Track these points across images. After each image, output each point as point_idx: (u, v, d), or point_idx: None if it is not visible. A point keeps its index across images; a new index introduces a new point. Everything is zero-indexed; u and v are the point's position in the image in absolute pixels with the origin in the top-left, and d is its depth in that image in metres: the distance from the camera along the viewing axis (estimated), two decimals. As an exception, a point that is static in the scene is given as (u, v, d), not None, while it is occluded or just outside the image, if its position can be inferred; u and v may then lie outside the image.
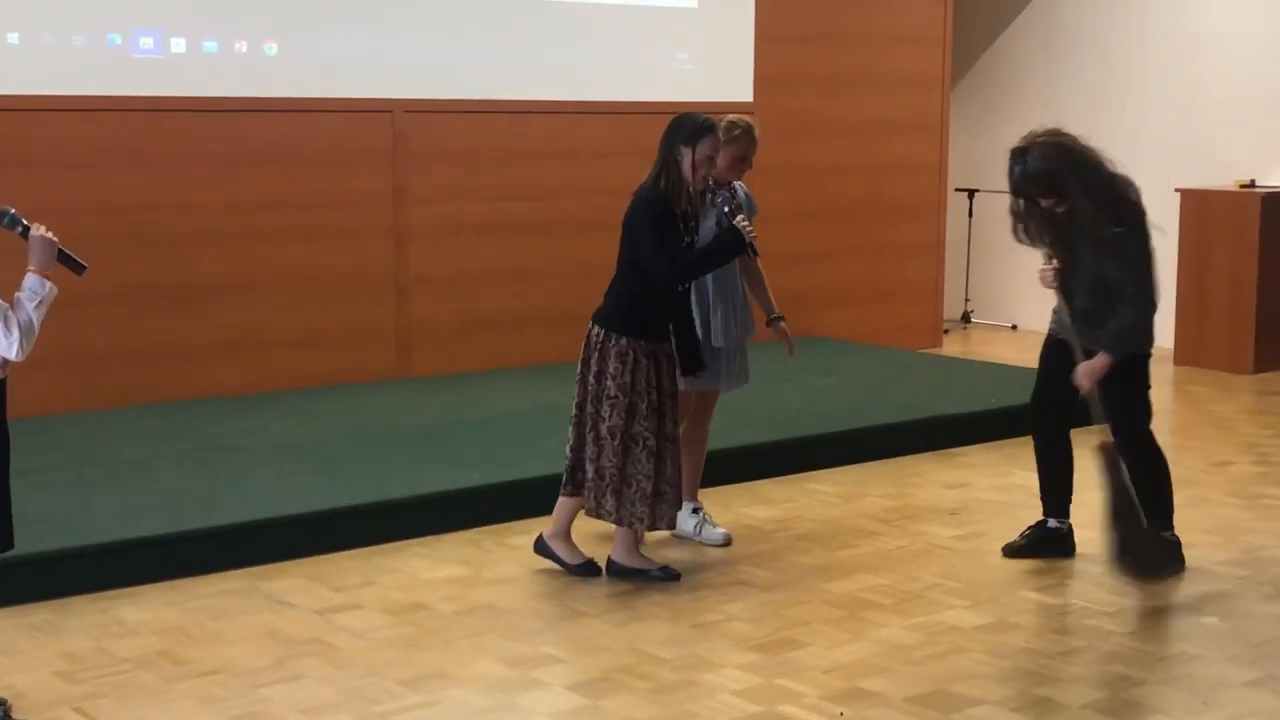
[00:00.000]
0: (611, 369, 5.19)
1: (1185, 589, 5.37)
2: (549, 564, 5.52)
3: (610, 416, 5.20)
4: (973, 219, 11.56)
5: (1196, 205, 10.07)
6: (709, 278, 5.61)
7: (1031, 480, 6.88)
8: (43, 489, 5.86)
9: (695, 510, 5.89)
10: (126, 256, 7.53)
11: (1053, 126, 5.31)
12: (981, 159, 11.72)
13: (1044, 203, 5.22)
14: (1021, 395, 8.11)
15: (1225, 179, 10.22)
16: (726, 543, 5.86)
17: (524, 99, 8.70)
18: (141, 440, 6.88)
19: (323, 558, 5.64)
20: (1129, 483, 5.27)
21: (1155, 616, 5.10)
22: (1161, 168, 10.57)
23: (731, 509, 6.35)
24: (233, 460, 6.52)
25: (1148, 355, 5.46)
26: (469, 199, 8.58)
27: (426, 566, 5.58)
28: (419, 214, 8.41)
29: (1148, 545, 5.28)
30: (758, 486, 6.75)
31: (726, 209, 5.29)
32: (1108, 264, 5.20)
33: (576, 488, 5.38)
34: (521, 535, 5.92)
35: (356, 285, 8.26)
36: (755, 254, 5.36)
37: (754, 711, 4.26)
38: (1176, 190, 10.18)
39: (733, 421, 6.77)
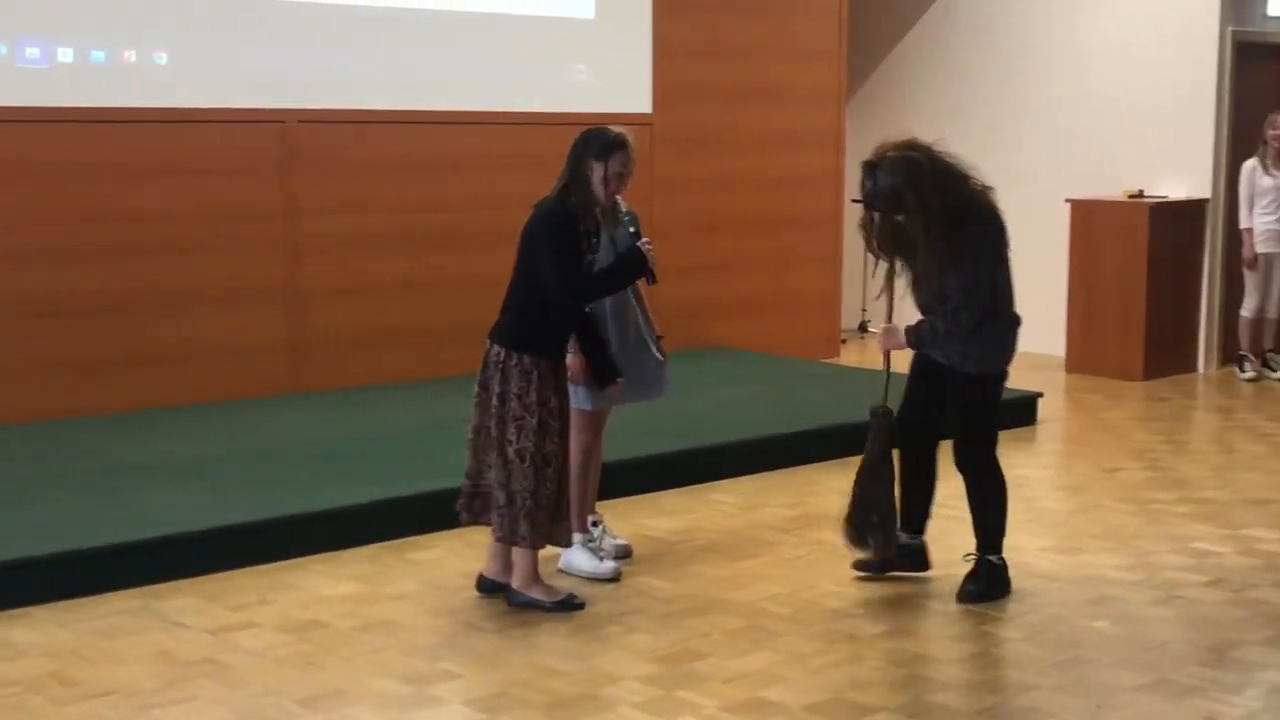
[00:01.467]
0: (515, 389, 5.08)
1: (1077, 594, 5.45)
2: (449, 579, 5.47)
3: (518, 439, 5.08)
4: (869, 230, 11.65)
5: (1086, 215, 10.26)
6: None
7: (927, 488, 6.94)
8: (-74, 510, 5.73)
9: (594, 523, 5.86)
10: (11, 271, 7.38)
11: (907, 138, 5.20)
12: (945, 143, 11.84)
13: (896, 217, 5.10)
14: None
15: (1114, 189, 10.41)
16: (627, 555, 5.84)
17: (420, 109, 8.64)
18: (29, 459, 6.73)
19: (218, 576, 5.55)
20: (889, 452, 5.32)
21: (1048, 622, 5.16)
22: (1052, 179, 10.79)
23: (632, 520, 6.35)
24: (124, 478, 6.40)
25: (1001, 376, 5.33)
26: (364, 211, 8.51)
27: (324, 584, 5.52)
28: (313, 226, 8.32)
29: (881, 516, 5.33)
30: (659, 498, 6.76)
31: (633, 229, 5.28)
32: (946, 280, 5.09)
33: (475, 516, 5.28)
34: (420, 550, 5.88)
35: (250, 298, 8.16)
36: (653, 281, 5.31)
37: (654, 724, 4.26)
38: (1067, 200, 10.38)
39: (634, 433, 6.77)
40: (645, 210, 7.61)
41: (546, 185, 5.58)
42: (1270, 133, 9.83)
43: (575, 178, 5.13)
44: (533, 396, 5.08)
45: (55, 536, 5.50)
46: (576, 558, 5.66)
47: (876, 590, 5.44)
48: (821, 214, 10.64)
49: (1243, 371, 10.01)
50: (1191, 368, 10.35)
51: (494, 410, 5.12)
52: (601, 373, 5.34)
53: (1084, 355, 10.25)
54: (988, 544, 5.36)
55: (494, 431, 5.12)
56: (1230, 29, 10.18)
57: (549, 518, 5.16)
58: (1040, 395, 8.76)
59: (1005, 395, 8.48)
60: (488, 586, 5.36)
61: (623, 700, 4.42)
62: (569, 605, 5.23)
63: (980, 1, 11.34)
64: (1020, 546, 6.07)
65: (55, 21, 7.48)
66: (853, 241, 11.44)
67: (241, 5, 8.03)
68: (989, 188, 5.27)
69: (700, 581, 5.57)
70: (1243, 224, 9.93)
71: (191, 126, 7.90)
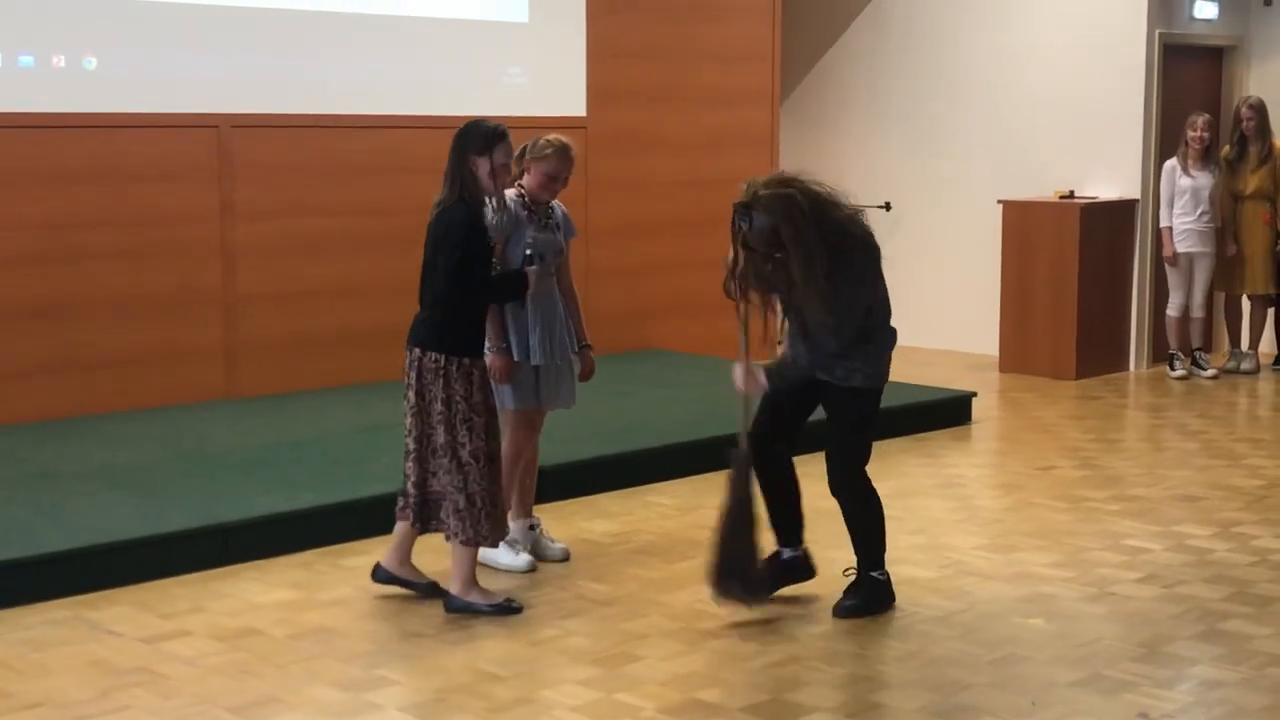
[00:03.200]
0: (460, 392, 5.07)
1: (1012, 591, 5.49)
2: (384, 586, 5.44)
3: (470, 440, 5.08)
4: (804, 231, 11.71)
5: (1018, 216, 10.35)
6: (528, 297, 5.56)
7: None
8: None
9: (532, 527, 5.86)
10: (-61, 277, 7.28)
11: (776, 174, 5.14)
12: (811, 172, 11.89)
13: (777, 255, 4.96)
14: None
15: (1045, 190, 10.52)
16: (565, 558, 5.84)
17: (354, 113, 8.59)
18: (-43, 467, 6.64)
19: (150, 584, 5.49)
20: (751, 499, 5.16)
21: (983, 620, 5.20)
22: (985, 180, 10.89)
23: (570, 523, 6.34)
24: (53, 487, 6.32)
25: (877, 392, 5.26)
26: (298, 215, 8.44)
27: (257, 590, 5.47)
28: (247, 231, 8.25)
29: (748, 567, 5.13)
30: (596, 500, 6.76)
31: (529, 253, 5.23)
32: (821, 312, 4.98)
33: (425, 524, 5.25)
34: (355, 556, 5.84)
35: (183, 304, 8.07)
36: (522, 306, 5.34)
37: (592, 727, 4.26)
38: (999, 201, 10.47)
39: (570, 435, 6.76)
40: (580, 212, 7.62)
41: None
42: (1190, 134, 9.92)
43: (463, 175, 5.11)
44: (477, 397, 5.11)
45: (-16, 546, 5.43)
46: (492, 550, 5.68)
47: (815, 592, 5.46)
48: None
49: (1173, 370, 10.13)
50: (1123, 366, 10.47)
51: (440, 416, 5.09)
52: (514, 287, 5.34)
53: (1017, 355, 10.34)
54: (868, 559, 5.28)
55: (443, 437, 5.10)
56: (1158, 31, 10.31)
57: (502, 514, 5.21)
58: (974, 395, 8.83)
59: (940, 395, 8.72)
60: (383, 577, 5.37)
61: (560, 704, 4.41)
62: (507, 609, 5.22)
63: (910, 5, 11.42)
64: (954, 545, 6.13)
65: (-19, 24, 7.38)
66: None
67: (173, 9, 7.95)
68: (859, 210, 5.23)
69: (638, 583, 5.58)
70: (1162, 223, 10.06)
71: (123, 132, 7.81)
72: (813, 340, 5.06)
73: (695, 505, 6.68)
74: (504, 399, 5.58)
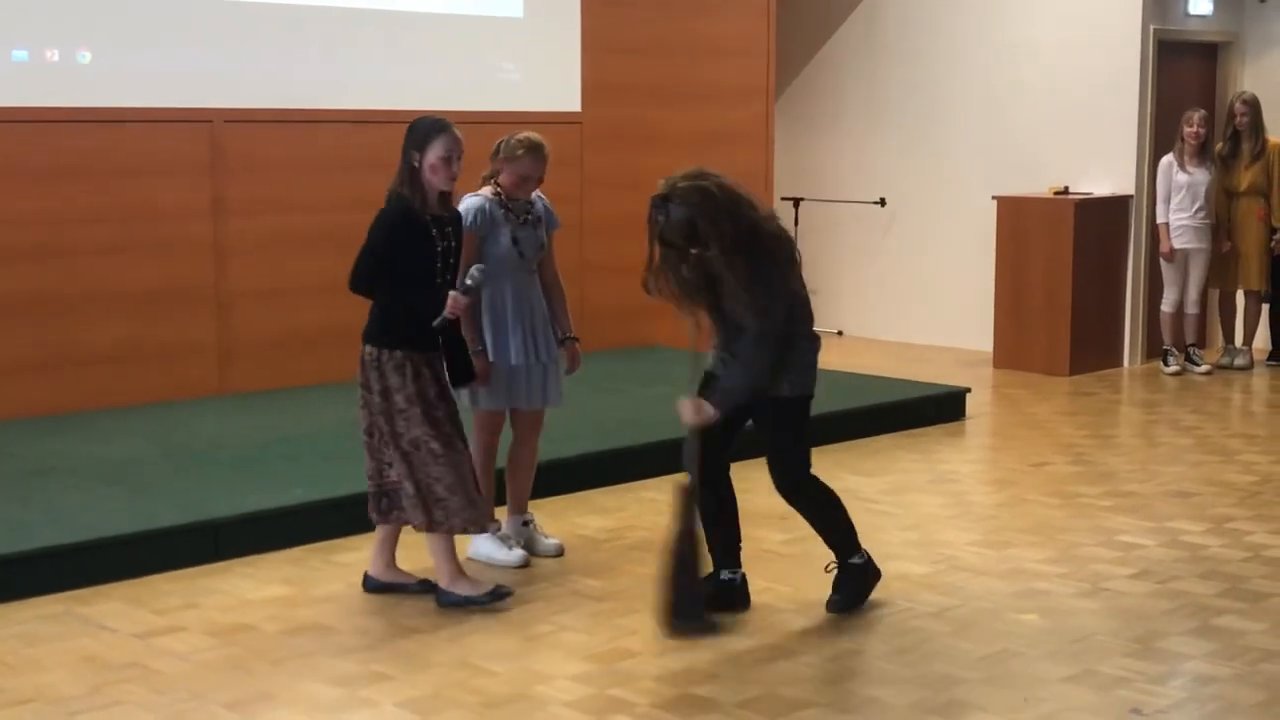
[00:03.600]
0: (394, 383, 5.08)
1: (1005, 587, 5.49)
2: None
3: (408, 430, 5.09)
4: (798, 227, 11.70)
5: (1012, 212, 10.35)
6: (507, 295, 5.55)
7: (860, 484, 7.02)
8: None
9: (525, 523, 5.86)
10: (-69, 272, 7.26)
11: (695, 168, 4.96)
12: (806, 169, 11.91)
13: (693, 251, 4.89)
14: (849, 400, 8.29)
15: (1040, 186, 10.52)
16: (559, 553, 5.84)
17: (348, 109, 8.58)
18: (-51, 463, 6.62)
19: (142, 580, 5.49)
20: (698, 534, 4.99)
21: (976, 616, 5.20)
22: (979, 176, 10.89)
23: (564, 519, 6.34)
24: (45, 482, 6.30)
25: (808, 398, 5.16)
26: (291, 211, 8.43)
27: (250, 586, 5.46)
28: (239, 226, 8.23)
29: (697, 602, 4.94)
30: (590, 496, 6.75)
31: (469, 282, 5.13)
32: (740, 311, 4.93)
33: (384, 515, 5.27)
34: (348, 552, 5.83)
35: (175, 300, 8.06)
36: (437, 336, 5.19)
37: (585, 723, 4.25)
38: (993, 198, 10.47)
39: (565, 431, 6.75)
40: (575, 208, 7.62)
41: (473, 184, 5.58)
42: (1186, 129, 9.89)
43: (408, 170, 5.12)
44: (411, 388, 5.08)
45: (-24, 542, 5.42)
46: (485, 545, 5.71)
47: (807, 587, 5.46)
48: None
49: (1167, 366, 10.14)
50: (1117, 362, 10.47)
51: (380, 407, 5.11)
52: (453, 372, 5.29)
53: (1011, 351, 10.34)
54: (844, 549, 5.24)
55: (385, 427, 5.12)
56: (1152, 27, 10.32)
57: (467, 501, 5.13)
58: (968, 391, 8.84)
59: (934, 390, 8.72)
60: (373, 586, 5.37)
61: (555, 699, 4.41)
62: (498, 595, 5.23)
63: (905, 1, 11.41)
64: (948, 541, 6.13)
65: (-27, 19, 7.36)
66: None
67: (167, 4, 7.93)
68: (774, 214, 5.15)
69: (632, 579, 5.57)
70: (1159, 219, 10.06)
71: (116, 126, 7.79)
72: (742, 357, 4.94)
73: (689, 501, 6.67)
74: (470, 397, 5.58)
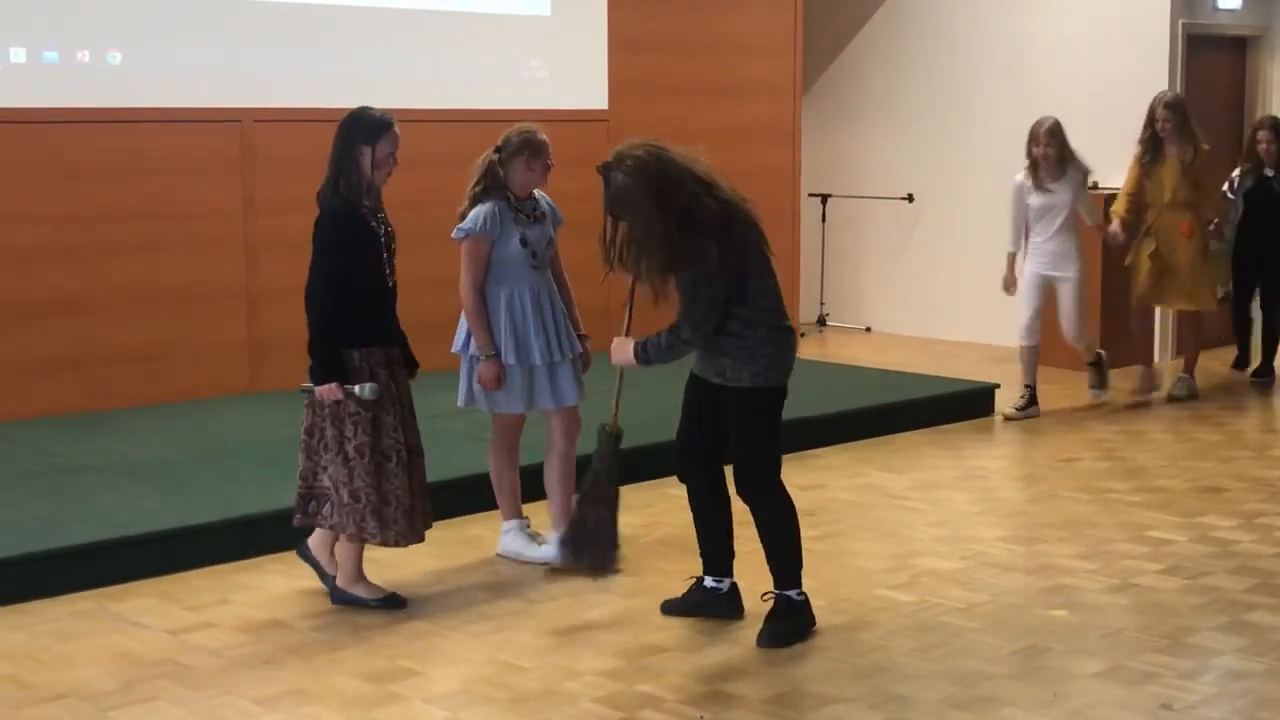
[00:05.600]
0: (347, 385, 4.99)
1: (1034, 583, 5.48)
2: (407, 577, 5.47)
3: (356, 434, 5.00)
4: (826, 224, 11.72)
5: (1041, 208, 10.27)
6: (525, 297, 5.53)
7: (888, 480, 7.01)
8: (-122, 514, 5.67)
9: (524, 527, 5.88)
10: (-35, 272, 7.32)
11: (647, 140, 4.87)
12: (834, 164, 11.90)
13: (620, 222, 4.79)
14: (877, 396, 8.28)
15: (1068, 182, 10.46)
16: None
17: (376, 107, 8.58)
18: (-16, 461, 6.68)
19: (175, 576, 5.53)
20: (609, 477, 5.17)
21: (1005, 611, 5.20)
22: (1006, 171, 10.79)
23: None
24: (78, 480, 6.36)
25: (779, 390, 4.91)
26: (321, 209, 8.44)
27: (282, 583, 5.50)
28: (270, 225, 8.27)
29: (600, 536, 5.20)
30: (623, 492, 6.73)
31: (358, 392, 4.96)
32: (659, 282, 4.81)
33: (309, 516, 5.19)
34: (377, 549, 5.83)
35: (206, 298, 8.11)
36: (390, 330, 5.18)
37: (615, 717, 4.26)
38: (1022, 193, 10.41)
39: (589, 428, 6.75)
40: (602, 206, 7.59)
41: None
42: (1034, 149, 8.45)
43: (344, 164, 5.05)
44: (370, 389, 4.98)
45: (9, 539, 5.47)
46: (513, 542, 5.72)
47: (835, 583, 5.46)
48: (778, 208, 10.65)
49: (1010, 418, 8.56)
50: (1147, 358, 10.39)
51: (327, 409, 5.03)
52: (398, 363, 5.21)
53: (1041, 346, 10.27)
54: (784, 578, 4.93)
55: (329, 430, 5.04)
56: (1181, 21, 10.27)
57: (403, 513, 5.06)
58: (998, 386, 8.81)
59: (963, 386, 8.70)
60: (304, 552, 5.37)
61: (584, 695, 4.42)
62: (392, 604, 5.19)
63: (934, -4, 11.41)
64: (977, 536, 6.12)
65: (6, 21, 7.41)
66: (809, 235, 11.57)
67: (196, 4, 7.98)
68: (734, 200, 4.92)
69: (660, 575, 5.58)
70: (1008, 248, 8.64)
71: (147, 126, 7.85)
72: (656, 335, 4.88)
73: (717, 497, 6.67)
74: (492, 403, 5.58)
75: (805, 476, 7.08)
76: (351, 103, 8.45)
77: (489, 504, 5.92)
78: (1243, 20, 10.86)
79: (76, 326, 7.69)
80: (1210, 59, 10.68)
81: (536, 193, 5.71)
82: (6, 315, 7.49)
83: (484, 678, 4.57)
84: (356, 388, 4.96)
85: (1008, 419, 8.50)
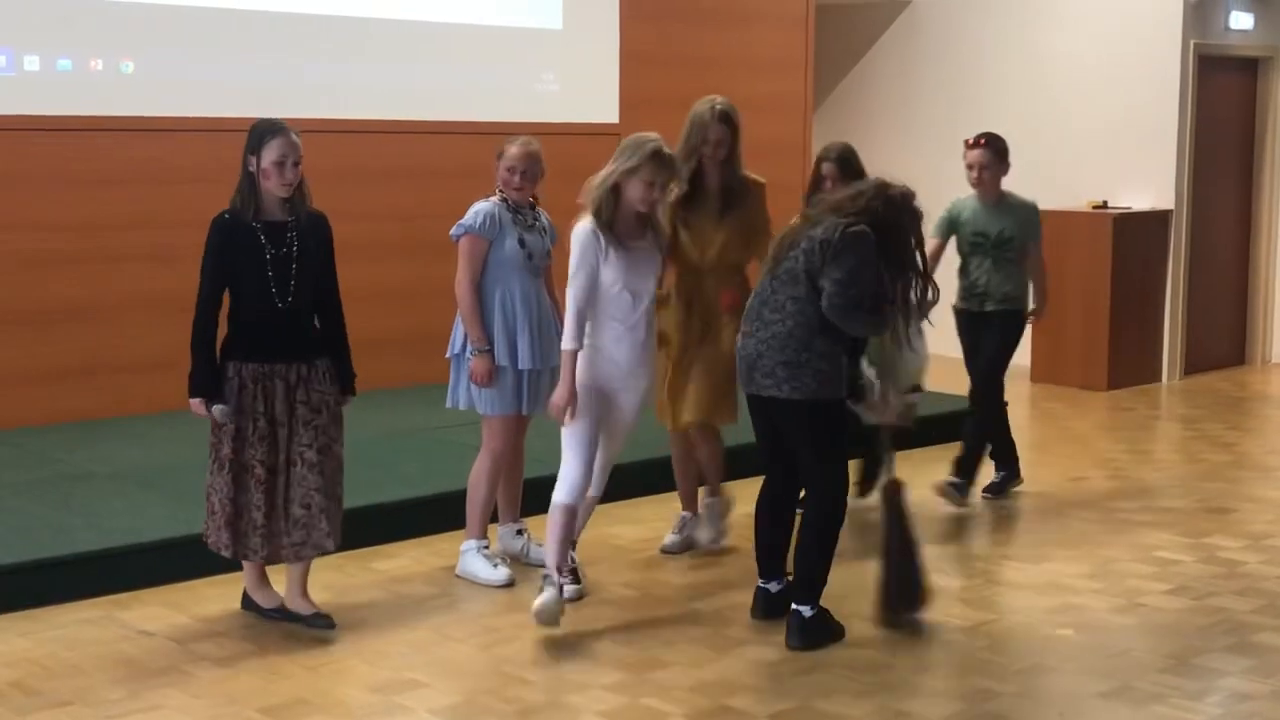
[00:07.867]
0: (224, 396, 4.95)
1: (1041, 602, 5.48)
2: (414, 588, 5.47)
3: (224, 445, 4.96)
4: (836, 240, 11.71)
5: (1051, 226, 10.19)
6: (516, 297, 5.54)
7: (924, 489, 6.99)
8: (-113, 519, 5.68)
9: (519, 532, 5.86)
10: (-23, 279, 7.34)
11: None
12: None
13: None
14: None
15: (1078, 200, 10.48)
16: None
17: (387, 119, 8.63)
18: (-8, 467, 6.69)
19: (181, 585, 5.53)
20: (909, 527, 5.18)
21: (1012, 630, 5.19)
22: (1018, 190, 10.80)
23: (597, 528, 6.32)
24: (86, 487, 6.36)
25: (816, 405, 4.92)
26: (336, 220, 8.40)
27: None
28: (281, 235, 8.27)
29: (914, 587, 5.18)
30: (625, 505, 6.75)
31: (216, 415, 4.96)
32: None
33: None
34: (385, 559, 5.87)
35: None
36: (277, 347, 5.04)
37: (619, 732, 4.27)
38: (1032, 211, 10.42)
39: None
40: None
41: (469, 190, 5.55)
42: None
43: (240, 177, 5.01)
44: (232, 403, 4.96)
45: (18, 545, 5.48)
46: (472, 564, 5.65)
47: (847, 599, 5.45)
48: (789, 222, 10.67)
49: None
50: (1156, 378, 10.42)
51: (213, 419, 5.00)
52: (342, 377, 5.21)
53: (1049, 365, 10.31)
54: (803, 591, 4.99)
55: (211, 438, 5.02)
56: (1192, 41, 10.27)
57: (253, 528, 4.97)
58: (1006, 404, 8.78)
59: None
60: (246, 605, 5.29)
61: (588, 708, 4.42)
62: (281, 614, 5.15)
63: (943, 15, 11.41)
64: (984, 554, 6.12)
65: (21, 30, 7.44)
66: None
67: (210, 14, 8.00)
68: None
69: (666, 589, 5.58)
70: (566, 344, 6.06)
71: (159, 135, 7.86)
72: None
73: (724, 512, 6.67)
74: (483, 404, 5.57)
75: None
76: (361, 114, 8.59)
77: (493, 514, 5.90)
78: (1255, 41, 10.86)
79: (87, 334, 7.71)
80: (1222, 79, 10.69)
81: (539, 210, 5.74)
82: (17, 322, 7.50)
83: (489, 689, 4.57)
84: (215, 410, 4.95)
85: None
